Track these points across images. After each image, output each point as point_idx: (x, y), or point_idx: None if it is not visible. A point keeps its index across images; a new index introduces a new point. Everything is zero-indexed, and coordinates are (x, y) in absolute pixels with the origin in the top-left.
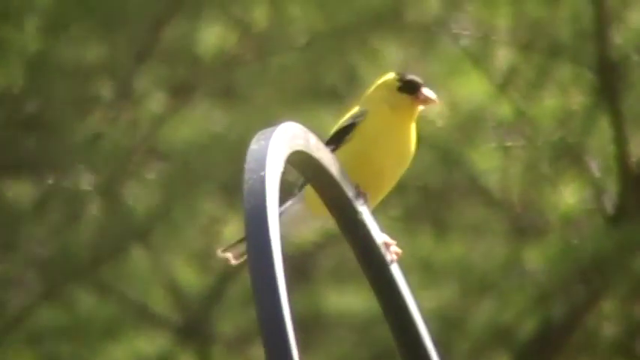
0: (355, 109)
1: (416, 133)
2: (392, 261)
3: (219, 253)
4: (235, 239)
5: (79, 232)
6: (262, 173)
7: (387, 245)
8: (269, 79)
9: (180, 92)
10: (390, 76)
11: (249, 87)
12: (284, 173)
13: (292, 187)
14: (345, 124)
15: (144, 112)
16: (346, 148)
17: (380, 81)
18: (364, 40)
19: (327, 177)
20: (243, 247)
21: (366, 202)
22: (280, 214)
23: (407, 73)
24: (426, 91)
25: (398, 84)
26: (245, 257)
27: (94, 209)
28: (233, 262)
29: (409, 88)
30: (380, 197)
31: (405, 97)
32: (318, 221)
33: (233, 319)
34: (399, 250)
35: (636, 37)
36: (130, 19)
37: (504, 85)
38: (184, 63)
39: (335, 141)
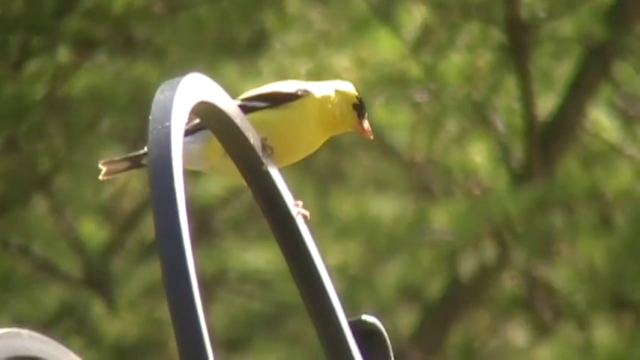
0: (297, 82)
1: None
2: (297, 214)
3: (100, 164)
4: (120, 157)
5: None
6: (167, 124)
7: (295, 205)
8: (177, 32)
9: (88, 45)
10: (350, 88)
11: (158, 40)
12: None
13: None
14: (290, 90)
15: (49, 63)
16: (279, 111)
17: (340, 84)
18: None
19: (233, 128)
20: (122, 165)
21: (272, 154)
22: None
23: (362, 96)
24: (367, 123)
25: (355, 101)
26: (115, 176)
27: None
28: (101, 176)
29: (359, 111)
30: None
31: (354, 115)
32: (205, 166)
33: (135, 271)
34: (307, 212)
35: None
36: None
37: (413, 42)
38: (93, 16)
39: (270, 100)
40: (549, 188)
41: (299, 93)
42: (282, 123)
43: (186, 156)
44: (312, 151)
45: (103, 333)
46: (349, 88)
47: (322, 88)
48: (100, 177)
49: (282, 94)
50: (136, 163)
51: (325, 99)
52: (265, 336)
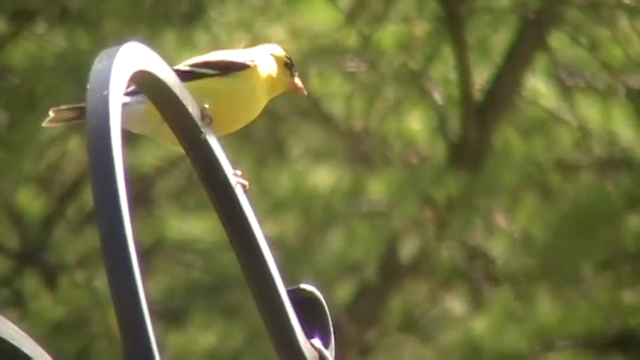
0: (237, 51)
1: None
2: (236, 183)
3: (51, 110)
4: (71, 105)
5: None
6: (105, 93)
7: (234, 175)
8: (112, 3)
9: (22, 17)
10: (279, 50)
11: (94, 10)
12: None
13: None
14: (240, 60)
15: None
16: (228, 80)
17: (269, 48)
18: None
19: (171, 97)
20: (69, 115)
21: (211, 123)
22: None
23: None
24: (299, 81)
25: (286, 60)
26: (62, 124)
27: None
28: (45, 123)
29: (290, 70)
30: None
31: (288, 74)
32: (147, 129)
33: (73, 242)
34: (246, 182)
35: None
36: None
37: (350, 13)
38: None
39: (220, 68)
40: (487, 166)
41: (248, 63)
42: (231, 92)
43: (130, 116)
44: (253, 118)
45: (39, 305)
46: (278, 49)
47: (262, 56)
48: (44, 124)
49: (233, 63)
50: (82, 114)
51: (268, 66)
52: (204, 307)
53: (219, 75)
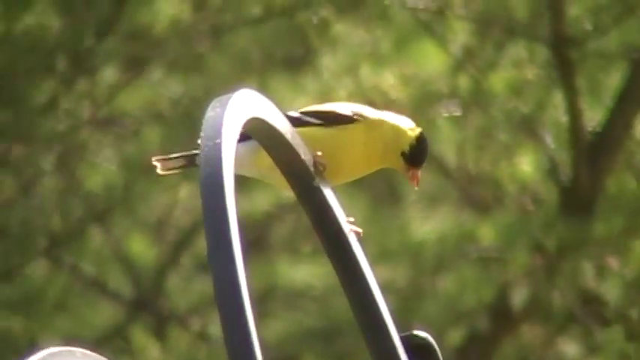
0: (358, 106)
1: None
2: (350, 230)
3: (154, 160)
4: (175, 155)
5: (35, 206)
6: (218, 141)
7: (347, 222)
8: (225, 51)
9: (137, 64)
10: (409, 132)
11: (206, 58)
12: None
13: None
14: (345, 112)
15: (100, 83)
16: (330, 131)
17: (402, 124)
18: (317, 13)
19: (284, 143)
20: (176, 163)
21: (324, 170)
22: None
23: (424, 145)
24: (418, 173)
25: (405, 149)
26: (172, 172)
27: (50, 184)
28: (159, 171)
29: (408, 159)
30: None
31: (399, 160)
32: (255, 174)
33: (187, 292)
34: (359, 229)
35: (590, 11)
36: None
37: (461, 58)
38: (141, 36)
39: (325, 118)
40: (599, 209)
41: (354, 117)
42: (328, 142)
43: (241, 162)
44: (354, 177)
45: (150, 356)
46: (409, 131)
47: (379, 119)
48: (159, 171)
49: (337, 115)
50: (190, 162)
51: (374, 130)
52: (317, 352)
53: (323, 125)
